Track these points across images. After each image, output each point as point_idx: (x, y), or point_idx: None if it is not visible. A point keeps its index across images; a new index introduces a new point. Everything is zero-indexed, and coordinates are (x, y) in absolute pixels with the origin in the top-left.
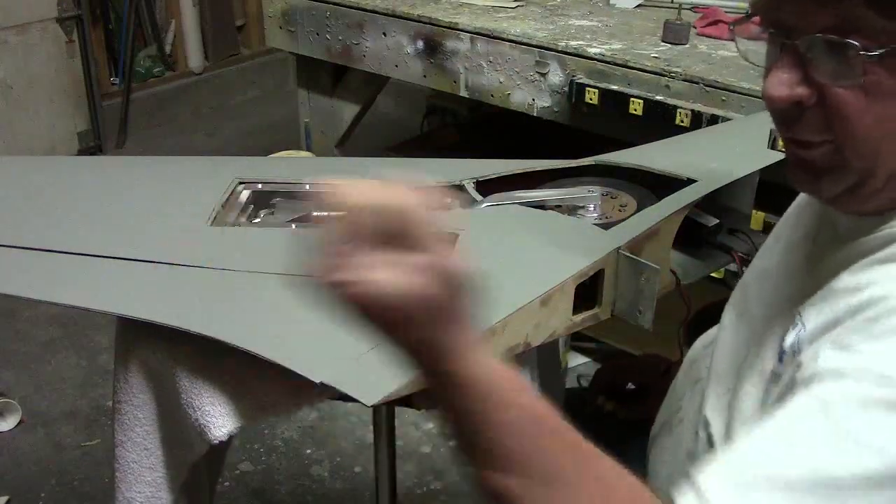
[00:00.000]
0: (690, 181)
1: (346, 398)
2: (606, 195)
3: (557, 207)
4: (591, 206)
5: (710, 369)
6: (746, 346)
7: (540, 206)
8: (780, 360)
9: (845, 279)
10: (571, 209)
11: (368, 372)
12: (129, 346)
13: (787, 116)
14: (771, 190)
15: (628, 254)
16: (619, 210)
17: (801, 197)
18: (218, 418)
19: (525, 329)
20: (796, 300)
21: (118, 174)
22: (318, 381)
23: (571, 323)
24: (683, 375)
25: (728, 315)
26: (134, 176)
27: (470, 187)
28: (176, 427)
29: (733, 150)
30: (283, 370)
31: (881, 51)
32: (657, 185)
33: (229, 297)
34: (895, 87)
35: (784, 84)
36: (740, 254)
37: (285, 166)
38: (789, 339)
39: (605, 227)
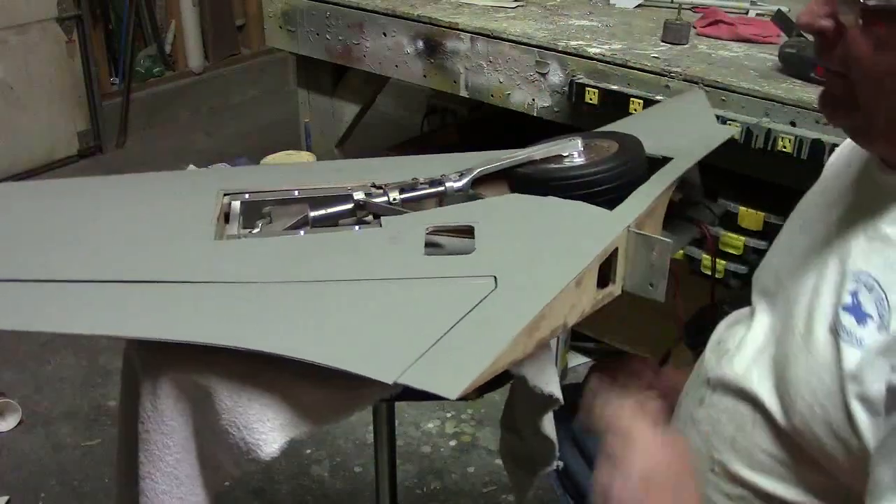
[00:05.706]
0: (667, 159)
1: (403, 397)
2: (588, 142)
3: (544, 161)
4: (575, 152)
5: (743, 339)
6: (790, 304)
7: (528, 162)
8: (842, 310)
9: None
10: (557, 159)
11: (437, 367)
12: (159, 371)
13: (818, 45)
14: (771, 190)
15: (639, 231)
16: (606, 150)
17: (827, 169)
18: (268, 434)
19: (564, 310)
20: (846, 250)
21: (97, 198)
22: (391, 381)
23: (595, 301)
24: (710, 352)
25: (759, 294)
26: (113, 198)
27: (454, 176)
28: (211, 449)
29: (687, 128)
30: (330, 376)
31: (874, 3)
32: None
33: (266, 308)
34: (890, 39)
35: (810, 14)
36: (706, 223)
37: (263, 173)
38: (848, 288)
39: (595, 171)
